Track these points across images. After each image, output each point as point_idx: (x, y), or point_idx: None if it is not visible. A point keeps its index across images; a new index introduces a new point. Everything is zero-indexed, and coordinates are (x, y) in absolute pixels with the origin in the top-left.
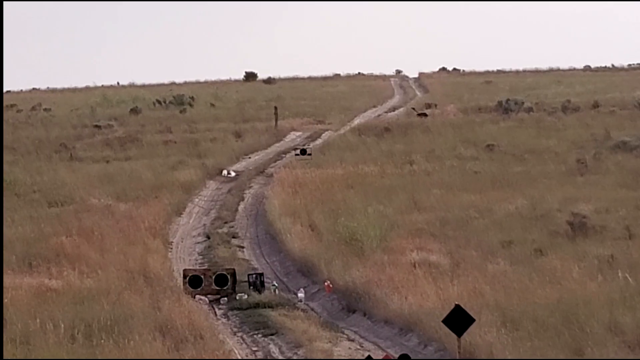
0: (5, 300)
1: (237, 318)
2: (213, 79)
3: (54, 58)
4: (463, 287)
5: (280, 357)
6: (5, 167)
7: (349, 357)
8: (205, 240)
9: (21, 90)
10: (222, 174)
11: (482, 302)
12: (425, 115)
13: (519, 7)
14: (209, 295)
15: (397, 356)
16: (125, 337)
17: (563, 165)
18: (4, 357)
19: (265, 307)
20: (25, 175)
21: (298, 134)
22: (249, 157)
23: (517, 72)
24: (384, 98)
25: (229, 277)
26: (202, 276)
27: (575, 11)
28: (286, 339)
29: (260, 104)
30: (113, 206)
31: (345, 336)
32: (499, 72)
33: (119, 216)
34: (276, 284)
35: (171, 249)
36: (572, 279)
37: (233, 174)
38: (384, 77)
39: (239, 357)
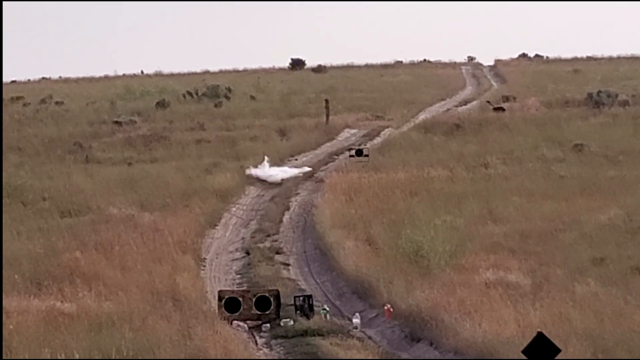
0: (10, 327)
1: (282, 348)
2: (253, 67)
3: (67, 42)
4: (546, 312)
5: None
6: (10, 170)
7: None
8: (244, 257)
9: (29, 80)
10: (267, 179)
11: (569, 330)
12: (502, 109)
13: None
14: (248, 321)
15: None
16: None
17: None
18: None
19: (314, 335)
20: (33, 180)
21: (353, 131)
22: (296, 159)
23: (611, 59)
24: (454, 89)
25: (271, 299)
26: (241, 299)
27: None
28: None
29: (308, 96)
30: (136, 216)
31: None
32: (588, 59)
33: (143, 228)
34: (327, 308)
35: (204, 266)
36: None
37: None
38: (454, 65)
39: None
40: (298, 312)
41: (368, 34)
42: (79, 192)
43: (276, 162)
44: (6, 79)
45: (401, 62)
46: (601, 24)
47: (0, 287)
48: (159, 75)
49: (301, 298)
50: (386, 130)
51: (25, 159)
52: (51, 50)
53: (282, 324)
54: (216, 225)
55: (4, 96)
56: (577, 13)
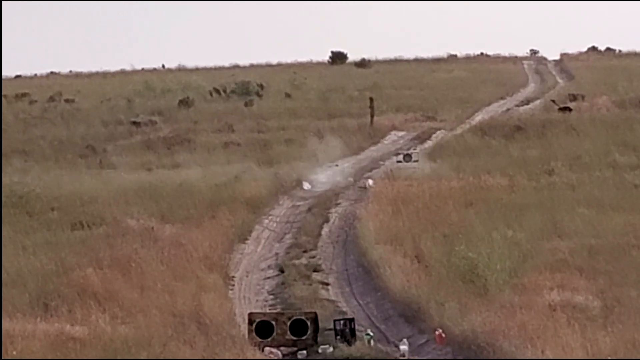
0: (13, 353)
1: None
2: (289, 61)
3: (79, 32)
4: (619, 338)
5: None
6: (15, 177)
7: None
8: (277, 275)
9: (35, 74)
10: (304, 187)
11: None
12: (569, 109)
13: None
14: (282, 348)
15: None
16: None
17: None
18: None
19: None
20: (40, 188)
21: (401, 134)
22: (336, 165)
23: None
24: (515, 87)
25: (308, 323)
26: (274, 322)
27: None
28: None
29: (351, 94)
30: (156, 229)
31: None
32: None
33: (163, 242)
34: (371, 333)
35: (233, 285)
36: None
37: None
38: (515, 60)
39: None
40: (338, 337)
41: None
42: (91, 202)
43: (313, 168)
44: (10, 73)
45: (455, 55)
46: None
47: None
48: (182, 69)
49: (342, 322)
50: (438, 132)
51: (32, 164)
52: (60, 41)
53: (320, 350)
54: (246, 239)
55: (7, 93)
56: None
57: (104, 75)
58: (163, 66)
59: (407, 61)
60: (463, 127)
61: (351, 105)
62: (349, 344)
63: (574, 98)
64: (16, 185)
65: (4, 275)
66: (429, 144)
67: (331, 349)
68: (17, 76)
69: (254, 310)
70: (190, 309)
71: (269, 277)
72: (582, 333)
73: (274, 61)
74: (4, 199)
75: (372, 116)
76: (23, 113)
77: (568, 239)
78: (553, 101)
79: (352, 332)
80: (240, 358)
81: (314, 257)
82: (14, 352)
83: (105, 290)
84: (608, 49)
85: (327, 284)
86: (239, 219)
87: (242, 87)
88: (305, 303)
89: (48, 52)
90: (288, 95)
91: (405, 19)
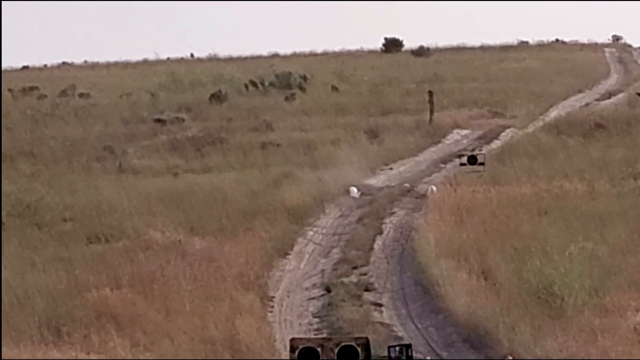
0: None
1: None
2: (336, 49)
3: (94, 18)
4: None
5: None
6: (22, 183)
7: None
8: (323, 295)
9: (45, 65)
10: (350, 194)
11: None
12: None
13: None
14: None
15: None
16: None
17: None
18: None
19: None
20: (51, 196)
21: (464, 132)
22: (390, 168)
23: None
24: (595, 78)
25: (359, 350)
26: (319, 349)
27: None
28: None
29: (407, 87)
30: (184, 243)
31: None
32: None
33: (193, 258)
34: None
35: (272, 307)
36: None
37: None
38: (595, 47)
39: None
40: None
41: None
42: (110, 211)
43: (365, 173)
44: (16, 63)
45: (527, 43)
46: None
47: None
48: (213, 59)
49: (397, 348)
50: (507, 131)
51: (41, 168)
52: (74, 27)
53: None
54: (288, 254)
55: (13, 86)
56: None
57: (124, 65)
58: (192, 55)
59: (472, 49)
60: (536, 124)
61: (407, 100)
62: None
63: None
64: (23, 193)
65: (10, 296)
66: (496, 144)
67: None
68: (24, 67)
69: (296, 336)
70: (223, 334)
71: (313, 298)
72: None
73: (319, 49)
74: (9, 209)
75: (431, 112)
76: (31, 110)
77: None
78: (639, 94)
79: (410, 359)
80: None
81: (365, 274)
82: None
83: (126, 313)
84: None
85: (381, 305)
86: (278, 230)
87: (283, 79)
88: (356, 327)
89: (60, 39)
90: (335, 89)
91: (470, 1)
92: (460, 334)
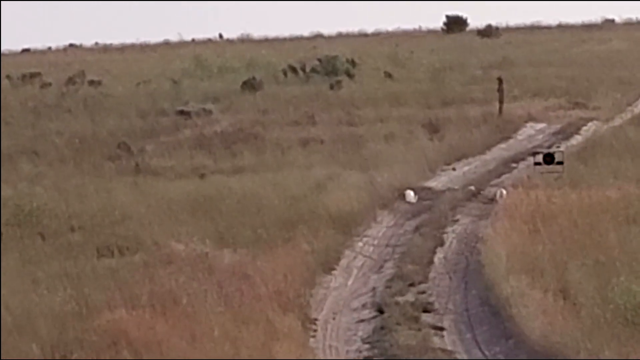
0: None
1: None
2: (390, 28)
3: None
4: None
5: None
6: (22, 186)
7: None
8: (375, 317)
9: (49, 48)
10: (406, 199)
11: None
12: None
13: None
14: None
15: None
16: None
17: None
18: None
19: None
20: (56, 201)
21: (539, 126)
22: (453, 169)
23: None
24: None
25: None
26: None
27: None
28: None
29: (472, 73)
30: (212, 256)
31: None
32: None
33: (222, 274)
34: None
35: (315, 331)
36: None
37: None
38: None
39: None
40: None
41: None
42: (125, 219)
43: (423, 174)
44: (16, 46)
45: (613, 21)
46: None
47: None
48: (246, 41)
49: None
50: (590, 124)
51: (45, 169)
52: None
53: None
54: (333, 269)
55: (11, 72)
56: None
57: (142, 48)
58: (220, 36)
59: (548, 28)
60: (623, 117)
61: (473, 89)
62: None
63: None
64: (24, 198)
65: (9, 319)
66: (577, 139)
67: None
68: (25, 50)
69: None
70: None
71: (363, 320)
72: None
73: (370, 29)
74: (8, 217)
75: (501, 103)
76: (33, 100)
77: None
78: None
79: None
80: None
81: (423, 292)
82: None
83: (144, 338)
84: None
85: (442, 329)
86: (322, 242)
87: (327, 64)
88: (413, 354)
89: (66, 19)
90: (388, 75)
91: None
92: None
